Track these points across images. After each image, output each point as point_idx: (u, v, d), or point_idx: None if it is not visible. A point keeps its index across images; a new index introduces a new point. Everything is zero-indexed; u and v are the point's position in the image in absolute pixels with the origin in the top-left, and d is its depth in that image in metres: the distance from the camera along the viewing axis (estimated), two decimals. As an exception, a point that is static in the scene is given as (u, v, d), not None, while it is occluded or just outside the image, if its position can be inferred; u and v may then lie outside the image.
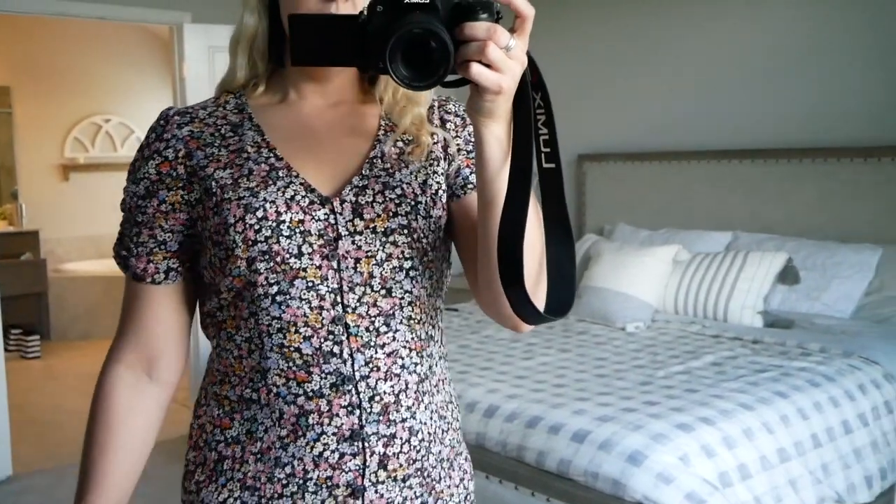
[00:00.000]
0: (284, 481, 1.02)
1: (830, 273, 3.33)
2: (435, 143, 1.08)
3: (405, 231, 1.02)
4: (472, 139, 1.06)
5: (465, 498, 1.16)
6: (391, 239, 1.02)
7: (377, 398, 1.01)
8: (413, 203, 1.03)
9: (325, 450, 1.01)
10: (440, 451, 1.10)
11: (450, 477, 1.12)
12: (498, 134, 0.88)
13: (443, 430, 1.10)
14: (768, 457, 2.23)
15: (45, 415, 4.85)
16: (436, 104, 1.12)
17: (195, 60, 4.29)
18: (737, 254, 3.54)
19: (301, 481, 1.01)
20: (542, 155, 0.91)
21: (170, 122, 1.08)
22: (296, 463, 1.01)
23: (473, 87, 0.84)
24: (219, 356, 1.08)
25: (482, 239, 0.96)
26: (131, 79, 7.39)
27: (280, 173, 1.02)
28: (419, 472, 1.06)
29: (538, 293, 0.95)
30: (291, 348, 1.00)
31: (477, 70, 0.81)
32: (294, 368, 1.00)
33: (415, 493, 1.06)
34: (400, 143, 1.07)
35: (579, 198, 4.73)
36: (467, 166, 1.08)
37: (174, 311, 1.11)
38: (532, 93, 0.88)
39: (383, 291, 1.02)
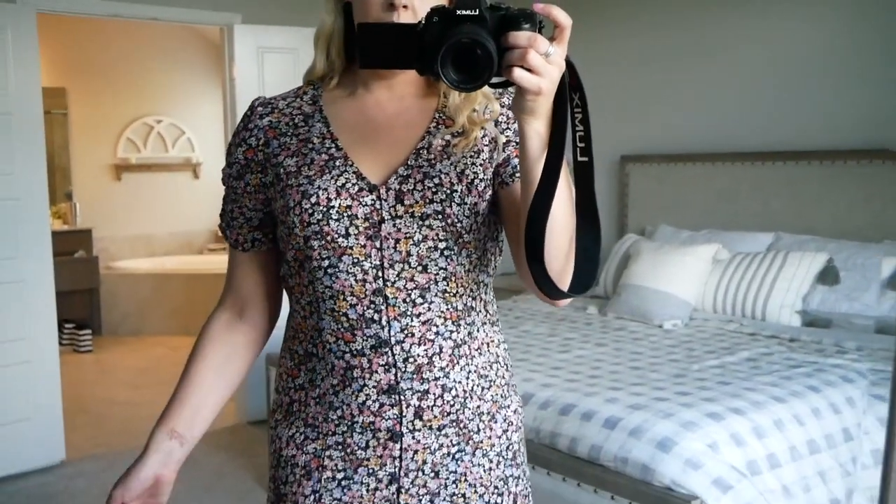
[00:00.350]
0: (336, 422, 1.20)
1: (871, 274, 3.32)
2: (483, 137, 1.20)
3: (440, 216, 1.15)
4: None
5: (507, 448, 1.28)
6: (427, 223, 1.15)
7: (411, 360, 1.16)
8: (449, 191, 1.16)
9: (367, 399, 1.17)
10: (479, 406, 1.23)
11: (490, 428, 1.25)
12: (538, 129, 1.00)
13: (483, 388, 1.24)
14: (798, 447, 2.26)
15: (97, 406, 5.01)
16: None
17: (245, 61, 4.40)
18: (777, 253, 3.55)
19: (350, 423, 1.19)
20: (578, 150, 1.03)
21: (254, 113, 1.25)
22: (345, 408, 1.19)
23: (517, 88, 0.96)
24: (291, 316, 1.27)
25: (523, 223, 1.08)
26: (182, 80, 7.57)
27: (337, 163, 1.18)
28: (454, 423, 1.20)
29: (567, 271, 1.09)
30: (340, 313, 1.17)
31: (519, 74, 0.93)
32: (342, 330, 1.17)
33: (451, 441, 1.21)
34: (448, 136, 1.20)
35: (622, 199, 4.75)
36: (515, 156, 1.20)
37: (259, 272, 1.32)
38: (571, 93, 1.00)
39: (420, 268, 1.16)
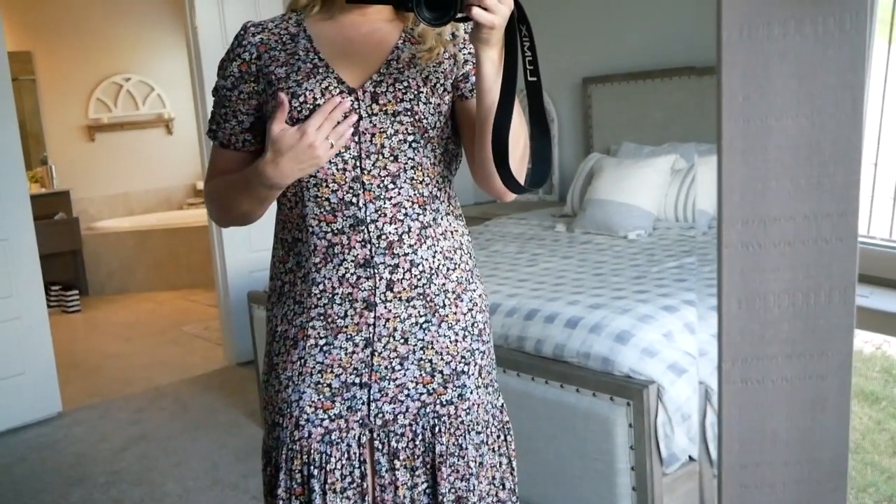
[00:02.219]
0: (319, 295, 1.40)
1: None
2: (444, 53, 1.40)
3: (409, 113, 1.36)
4: None
5: (472, 325, 1.47)
6: (398, 119, 1.36)
7: (383, 237, 1.37)
8: (416, 92, 1.37)
9: (346, 272, 1.38)
10: (444, 284, 1.43)
11: (455, 305, 1.44)
12: (492, 56, 1.25)
13: (448, 269, 1.44)
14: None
15: (89, 359, 5.11)
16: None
17: (206, 9, 4.39)
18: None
19: (330, 295, 1.39)
20: (528, 71, 1.25)
21: (247, 32, 1.44)
22: (326, 282, 1.39)
23: (475, 22, 1.19)
24: (279, 209, 1.47)
25: (480, 133, 1.33)
26: (148, 36, 7.51)
27: (320, 70, 1.37)
28: (421, 296, 1.41)
29: (522, 169, 1.36)
30: (323, 198, 1.37)
31: (476, 11, 1.18)
32: (324, 213, 1.38)
33: (419, 312, 1.41)
34: (414, 51, 1.40)
35: (586, 120, 4.82)
36: (473, 74, 1.40)
37: (246, 166, 1.46)
38: (519, 25, 1.22)
39: (392, 158, 1.37)
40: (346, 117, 1.34)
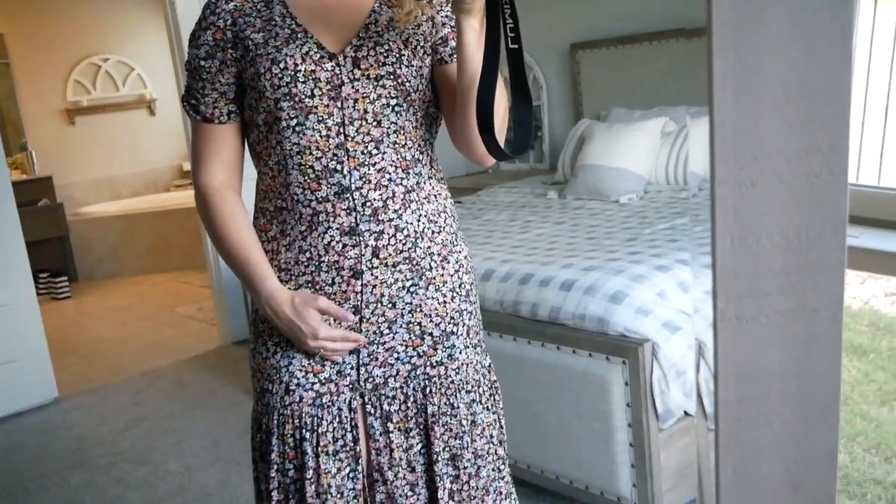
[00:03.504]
0: (306, 263, 1.40)
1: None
2: (422, 16, 1.40)
3: (391, 76, 1.36)
4: None
5: (460, 286, 1.48)
6: (381, 83, 1.36)
7: (368, 203, 1.36)
8: (398, 55, 1.37)
9: (331, 241, 1.37)
10: (429, 247, 1.43)
11: (442, 268, 1.45)
12: (473, 25, 1.27)
13: (433, 231, 1.44)
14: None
15: (84, 346, 5.11)
16: None
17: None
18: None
19: (317, 263, 1.39)
20: (508, 38, 1.24)
21: (220, 0, 1.40)
22: (312, 250, 1.38)
23: None
24: (260, 179, 1.46)
25: (462, 101, 1.34)
26: (125, 13, 7.38)
27: (298, 35, 1.36)
28: (407, 261, 1.41)
29: (501, 137, 1.34)
30: (307, 166, 1.36)
31: None
32: (308, 181, 1.36)
33: (405, 276, 1.41)
34: (391, 14, 1.39)
35: (574, 87, 4.80)
36: (452, 38, 1.40)
37: (237, 141, 1.47)
38: None
39: (375, 123, 1.36)
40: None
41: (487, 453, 1.52)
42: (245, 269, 1.41)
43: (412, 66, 1.39)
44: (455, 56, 1.38)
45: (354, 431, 1.43)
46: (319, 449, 1.41)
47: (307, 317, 1.37)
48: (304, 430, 1.41)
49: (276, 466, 1.44)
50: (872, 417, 2.98)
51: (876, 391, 3.19)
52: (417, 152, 1.42)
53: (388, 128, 1.37)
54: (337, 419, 1.42)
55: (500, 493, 1.57)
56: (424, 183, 1.44)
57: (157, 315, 5.61)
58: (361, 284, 1.39)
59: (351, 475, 1.43)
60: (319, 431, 1.41)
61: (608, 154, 3.73)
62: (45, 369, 4.12)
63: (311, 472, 1.41)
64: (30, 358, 4.05)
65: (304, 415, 1.42)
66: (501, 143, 1.33)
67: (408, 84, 1.38)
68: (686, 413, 2.19)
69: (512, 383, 2.27)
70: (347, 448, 1.43)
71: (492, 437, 1.53)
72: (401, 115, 1.38)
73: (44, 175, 6.84)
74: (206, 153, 1.46)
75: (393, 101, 1.37)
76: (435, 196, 1.46)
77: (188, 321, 5.36)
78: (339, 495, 1.42)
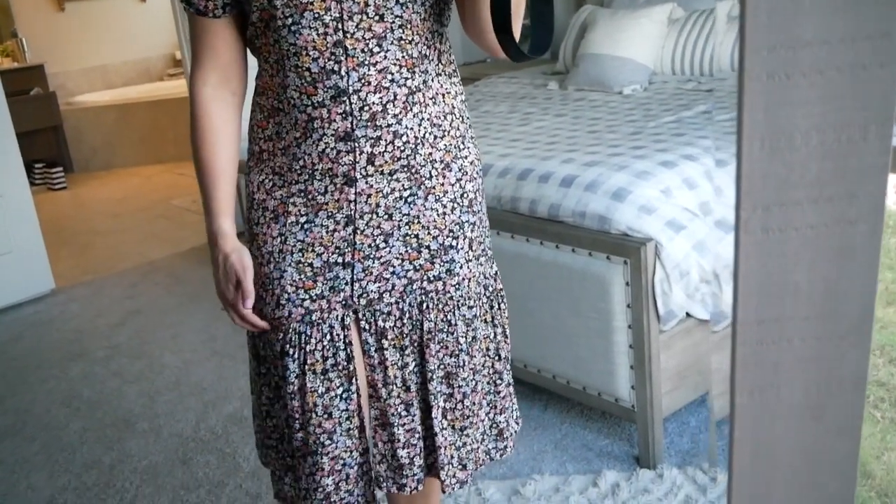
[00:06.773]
0: (299, 171, 1.32)
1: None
2: None
3: None
4: None
5: (462, 195, 1.39)
6: None
7: (366, 108, 1.26)
8: None
9: (325, 147, 1.29)
10: (431, 154, 1.34)
11: (443, 176, 1.36)
12: None
13: (436, 136, 1.33)
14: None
15: (80, 237, 5.07)
16: None
17: None
18: (733, 6, 3.49)
19: (311, 171, 1.31)
20: None
21: None
22: (306, 157, 1.31)
23: None
24: (259, 75, 1.36)
25: None
26: None
27: None
28: (405, 168, 1.32)
29: (517, 29, 1.25)
30: (303, 68, 1.25)
31: None
32: (305, 84, 1.26)
33: (402, 185, 1.33)
34: None
35: (579, -29, 4.60)
36: None
37: (236, 39, 1.37)
38: None
39: (377, 17, 1.23)
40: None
41: (483, 367, 1.48)
42: (207, 196, 1.37)
43: None
44: None
45: (348, 349, 1.38)
46: (306, 367, 1.37)
47: (230, 277, 1.36)
48: (288, 346, 1.37)
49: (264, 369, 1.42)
50: (878, 318, 2.96)
51: (882, 290, 3.16)
52: (425, 47, 1.30)
53: (392, 22, 1.24)
54: (328, 337, 1.37)
55: (495, 406, 1.53)
56: (432, 81, 1.32)
57: (152, 207, 5.56)
58: (355, 193, 1.31)
59: (344, 395, 1.38)
60: (307, 349, 1.37)
61: (612, 42, 3.58)
62: (40, 262, 4.08)
63: (291, 386, 1.37)
64: (24, 250, 4.01)
65: (290, 331, 1.37)
66: (517, 35, 1.22)
67: None
68: (688, 314, 2.15)
69: (509, 282, 2.22)
70: (340, 367, 1.38)
71: (489, 350, 1.49)
72: (406, 6, 1.24)
73: (35, 63, 6.68)
74: (200, 50, 1.37)
75: None
76: (443, 95, 1.35)
77: (184, 213, 5.30)
78: (325, 415, 1.38)
